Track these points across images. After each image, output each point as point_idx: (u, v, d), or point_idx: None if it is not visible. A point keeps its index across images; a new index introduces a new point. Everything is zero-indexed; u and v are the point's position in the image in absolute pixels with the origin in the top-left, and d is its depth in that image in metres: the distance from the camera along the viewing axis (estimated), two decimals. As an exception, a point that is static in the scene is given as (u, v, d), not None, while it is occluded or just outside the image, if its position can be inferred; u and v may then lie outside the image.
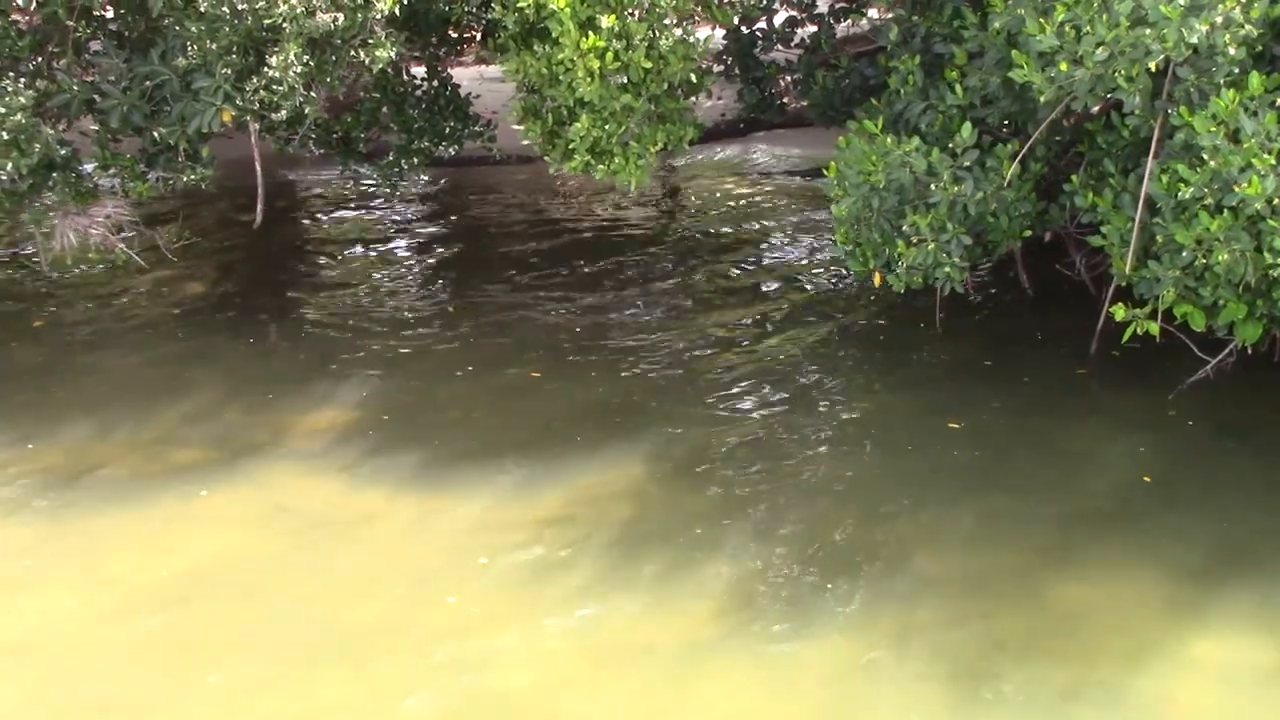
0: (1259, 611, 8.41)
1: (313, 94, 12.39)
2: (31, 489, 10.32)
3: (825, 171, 11.75)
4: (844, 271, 14.10)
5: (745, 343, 12.65)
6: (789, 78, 15.20)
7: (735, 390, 11.73)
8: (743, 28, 15.08)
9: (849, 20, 15.37)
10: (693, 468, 10.49)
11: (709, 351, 12.52)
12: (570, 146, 12.43)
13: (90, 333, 13.04)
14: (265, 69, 11.82)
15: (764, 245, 15.35)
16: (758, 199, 16.94)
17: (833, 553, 9.30)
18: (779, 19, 15.12)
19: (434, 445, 10.96)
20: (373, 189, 16.75)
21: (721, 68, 15.20)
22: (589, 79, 11.77)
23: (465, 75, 16.34)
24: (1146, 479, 10.00)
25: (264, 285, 14.30)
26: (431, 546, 9.64)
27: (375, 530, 9.84)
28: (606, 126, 12.07)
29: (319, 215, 16.80)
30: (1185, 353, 10.96)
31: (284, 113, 12.15)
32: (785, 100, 15.53)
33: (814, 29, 15.07)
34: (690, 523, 9.76)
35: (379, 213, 16.77)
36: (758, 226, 15.99)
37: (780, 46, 15.23)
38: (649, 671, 8.32)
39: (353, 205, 17.02)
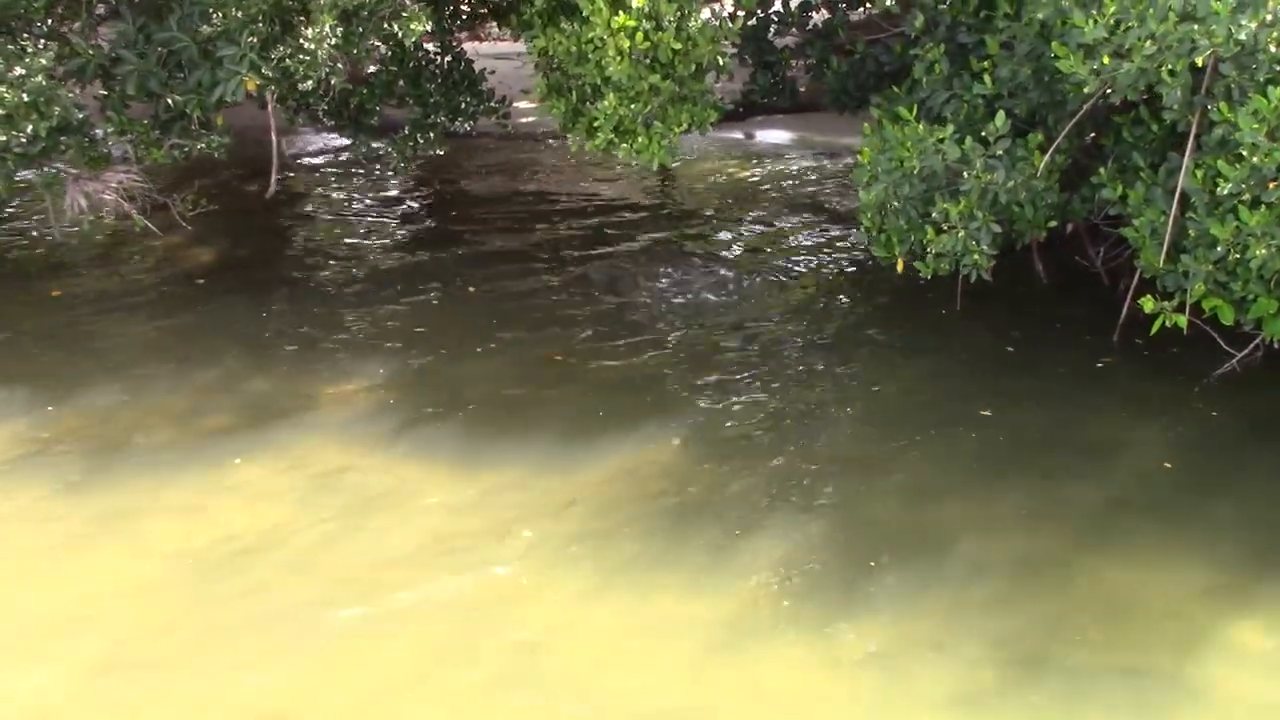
0: (1302, 600, 8.56)
1: (339, 65, 12.34)
2: (64, 457, 10.24)
3: (859, 157, 11.80)
4: (857, 256, 14.21)
5: (764, 326, 12.68)
6: (801, 62, 15.23)
7: (758, 373, 11.77)
8: (758, 11, 15.09)
9: (863, 5, 15.38)
10: (727, 447, 10.53)
11: (727, 334, 12.55)
12: (595, 125, 12.44)
13: (108, 300, 12.92)
14: (295, 39, 11.74)
15: (771, 231, 15.39)
16: (761, 183, 16.98)
17: (876, 533, 9.38)
18: (794, 2, 15.11)
19: (465, 418, 10.96)
20: (373, 162, 16.64)
21: (734, 50, 15.21)
22: (619, 58, 11.80)
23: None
24: (1173, 467, 10.12)
25: (276, 254, 14.24)
26: (473, 519, 9.63)
27: (415, 502, 9.82)
28: (633, 106, 12.09)
29: (327, 185, 16.67)
30: (1208, 345, 11.11)
31: (310, 83, 12.10)
32: (797, 85, 15.54)
33: (827, 14, 15.10)
34: (730, 501, 9.81)
35: (385, 185, 16.66)
36: (763, 211, 16.03)
37: (794, 31, 15.24)
38: (696, 647, 8.35)
39: (359, 177, 16.90)
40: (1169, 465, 10.14)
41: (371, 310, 12.97)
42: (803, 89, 15.82)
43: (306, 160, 17.29)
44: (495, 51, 17.65)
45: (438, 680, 8.06)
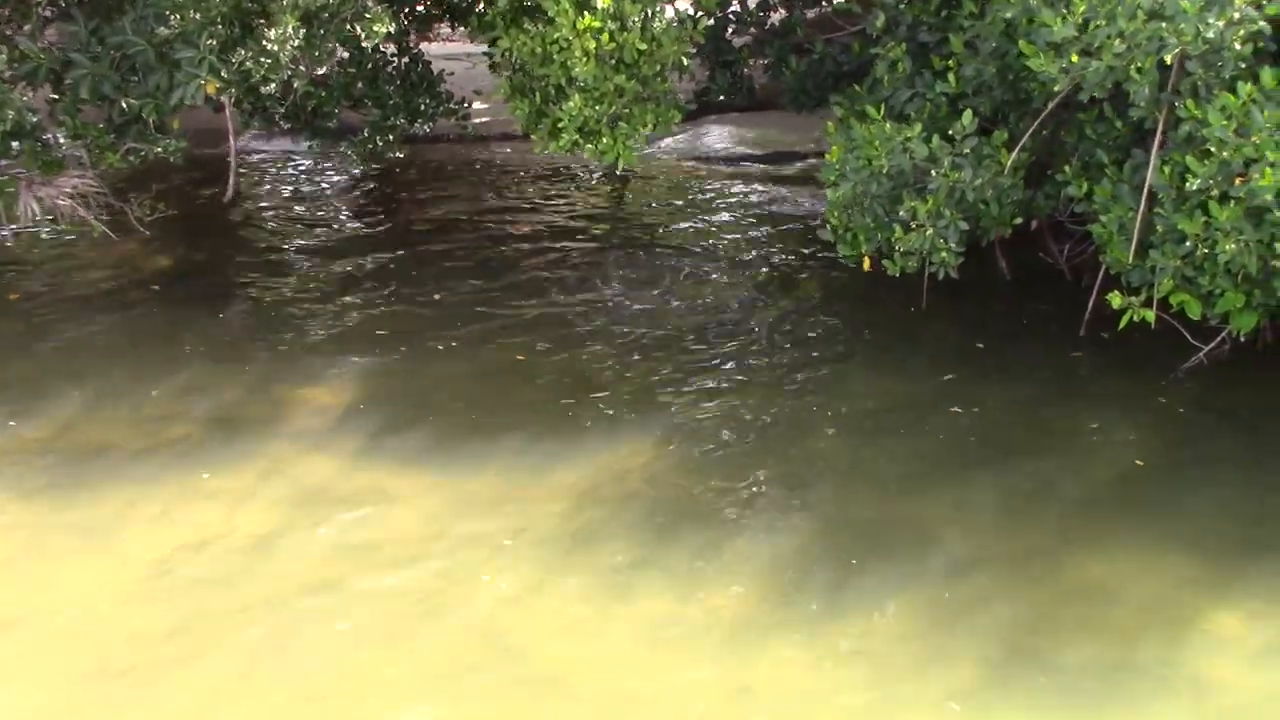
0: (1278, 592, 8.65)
1: (301, 68, 12.19)
2: (29, 466, 10.07)
3: (827, 156, 11.81)
4: (817, 256, 14.23)
5: (729, 328, 12.66)
6: (758, 61, 15.24)
7: (728, 374, 11.77)
8: (717, 10, 15.09)
9: (820, 4, 15.44)
10: (703, 447, 10.53)
11: (692, 336, 12.51)
12: (559, 126, 12.39)
13: (66, 306, 12.70)
14: (256, 41, 11.59)
15: (727, 232, 15.35)
16: (715, 184, 16.97)
17: (858, 531, 9.41)
18: (751, 1, 15.12)
19: (438, 423, 10.88)
20: (328, 166, 16.52)
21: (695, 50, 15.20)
22: (585, 59, 11.77)
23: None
24: (1146, 461, 10.23)
25: (234, 258, 14.06)
26: (453, 524, 9.58)
27: (393, 508, 9.75)
28: (598, 107, 12.05)
29: (282, 189, 16.50)
30: (1173, 339, 11.22)
31: (272, 86, 11.96)
32: (754, 85, 15.55)
33: (784, 13, 15.14)
34: (710, 501, 9.82)
35: (341, 188, 16.51)
36: (718, 212, 16.01)
37: (752, 30, 15.25)
38: (686, 649, 8.35)
39: (314, 181, 16.74)
40: (1141, 460, 10.25)
41: (331, 314, 12.85)
42: (759, 88, 15.87)
43: (260, 164, 17.07)
44: (445, 52, 17.45)
45: (429, 690, 8.01)
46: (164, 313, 12.64)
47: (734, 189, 16.60)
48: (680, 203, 16.22)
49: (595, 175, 16.99)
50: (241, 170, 15.75)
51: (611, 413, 11.09)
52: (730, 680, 8.09)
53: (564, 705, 7.92)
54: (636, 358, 12.06)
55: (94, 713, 7.79)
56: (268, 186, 16.53)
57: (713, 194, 16.48)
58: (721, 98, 15.66)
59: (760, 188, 16.56)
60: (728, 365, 11.92)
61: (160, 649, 8.26)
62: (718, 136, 18.11)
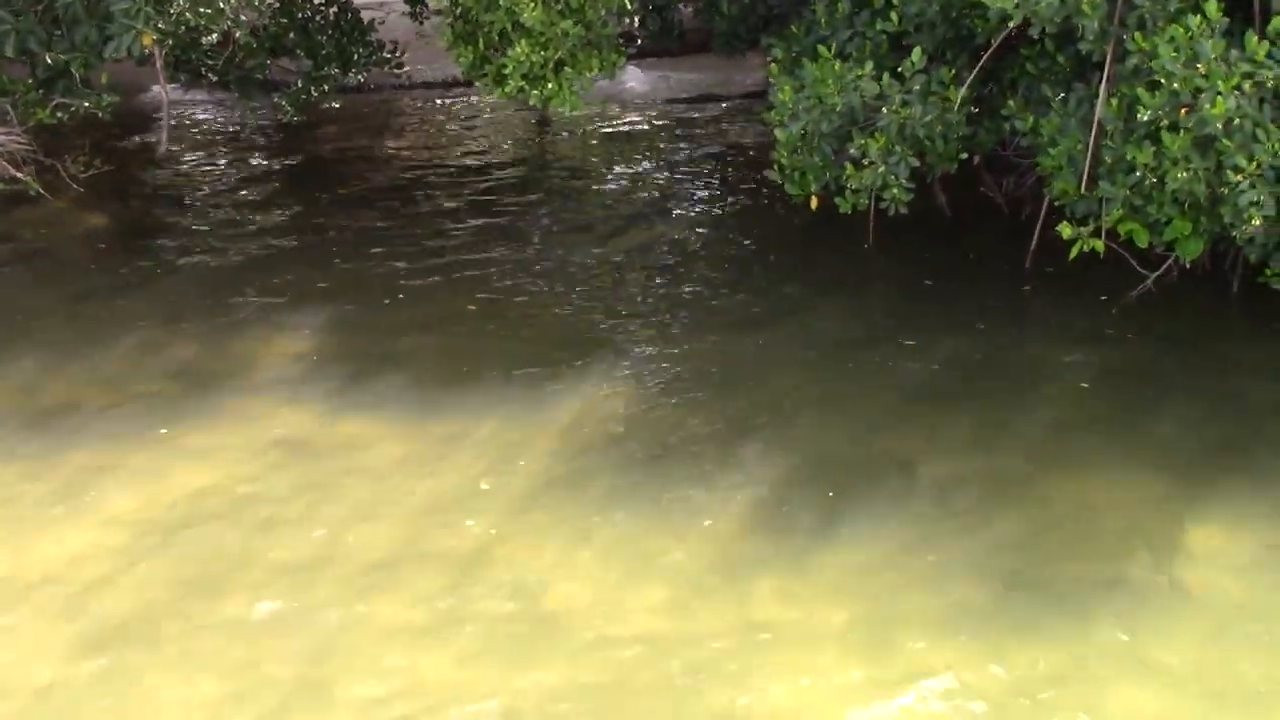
0: (1249, 504, 8.97)
1: (242, 17, 11.99)
2: (-1, 428, 9.86)
3: (778, 95, 11.85)
4: (758, 196, 14.35)
5: (677, 270, 12.77)
6: (687, 6, 15.28)
7: (684, 314, 11.89)
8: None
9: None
10: (674, 389, 10.63)
11: (641, 279, 12.61)
12: (504, 72, 12.34)
13: (6, 267, 12.38)
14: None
15: (666, 174, 15.44)
16: (642, 126, 17.00)
17: (839, 465, 9.58)
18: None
19: (403, 373, 10.90)
20: (259, 119, 16.25)
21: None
22: (532, 4, 11.72)
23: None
24: (1106, 386, 10.52)
25: (172, 215, 13.91)
26: (433, 472, 9.60)
27: (372, 458, 9.74)
28: (544, 52, 12.02)
29: (213, 144, 16.20)
30: (1118, 269, 11.51)
31: (214, 36, 11.75)
32: (684, 28, 15.57)
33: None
34: (687, 441, 9.92)
35: (273, 142, 16.24)
36: (654, 155, 16.08)
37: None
38: (683, 583, 8.45)
39: (244, 134, 16.45)
40: (1101, 384, 10.53)
41: (274, 268, 12.75)
42: (686, 32, 15.89)
43: (187, 118, 16.74)
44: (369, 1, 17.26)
45: (436, 631, 8.03)
46: (107, 271, 12.44)
47: (662, 132, 16.64)
48: (614, 147, 16.25)
49: (525, 121, 16.91)
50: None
51: (575, 356, 11.12)
52: (728, 611, 8.19)
53: (559, 640, 7.97)
54: (589, 302, 12.12)
55: (93, 670, 7.69)
56: (196, 139, 16.22)
57: (644, 138, 16.53)
58: (651, 42, 15.72)
59: (690, 130, 16.62)
60: (683, 307, 12.01)
61: (154, 607, 8.18)
62: (644, 80, 18.10)
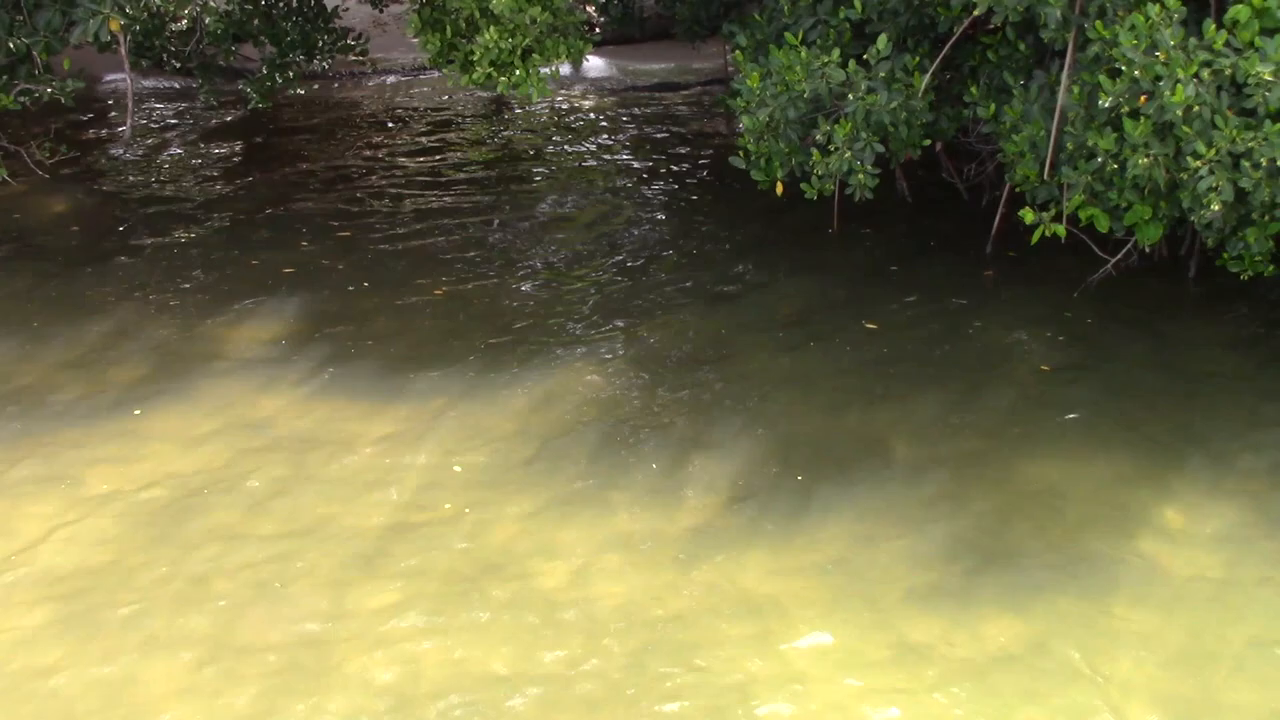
0: (1216, 481, 9.22)
1: (211, 2, 11.98)
2: (-27, 414, 9.85)
3: (746, 82, 11.98)
4: (718, 183, 14.49)
5: (640, 255, 12.87)
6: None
7: (652, 297, 11.99)
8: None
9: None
10: (642, 371, 10.75)
11: (607, 263, 12.71)
12: (471, 58, 12.40)
13: (-27, 254, 12.38)
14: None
15: (623, 161, 15.53)
16: (603, 113, 17.10)
17: (812, 445, 9.74)
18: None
19: (373, 354, 10.98)
20: (221, 105, 16.22)
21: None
22: (501, -9, 11.78)
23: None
24: (1069, 368, 10.73)
25: (139, 200, 13.88)
26: (407, 453, 9.67)
27: (345, 440, 9.82)
28: (512, 39, 12.09)
29: (174, 130, 16.14)
30: (1078, 254, 11.76)
31: (183, 22, 11.74)
32: (644, 15, 15.72)
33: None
34: (661, 422, 10.05)
35: (236, 127, 16.21)
36: (610, 141, 16.16)
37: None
38: (665, 560, 8.60)
39: (204, 120, 16.40)
40: (1064, 366, 10.75)
41: (242, 253, 12.75)
42: (648, 19, 16.05)
43: (147, 105, 16.67)
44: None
45: (421, 609, 8.13)
46: (77, 256, 12.40)
47: (626, 119, 16.74)
48: (575, 134, 16.31)
49: (485, 108, 16.96)
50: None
51: (546, 341, 11.23)
52: (705, 587, 8.34)
53: (547, 619, 8.08)
54: (555, 286, 12.23)
55: (74, 649, 7.75)
56: (157, 126, 16.16)
57: (605, 125, 16.61)
58: (613, 29, 15.83)
59: (651, 117, 16.73)
60: (649, 290, 12.12)
61: (138, 587, 8.23)
62: (604, 68, 18.17)
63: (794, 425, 9.99)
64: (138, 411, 9.97)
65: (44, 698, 7.40)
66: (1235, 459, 9.49)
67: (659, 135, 16.16)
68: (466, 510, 9.09)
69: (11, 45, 12.02)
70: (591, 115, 16.99)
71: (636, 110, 17.09)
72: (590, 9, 16.10)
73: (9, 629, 7.88)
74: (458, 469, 9.53)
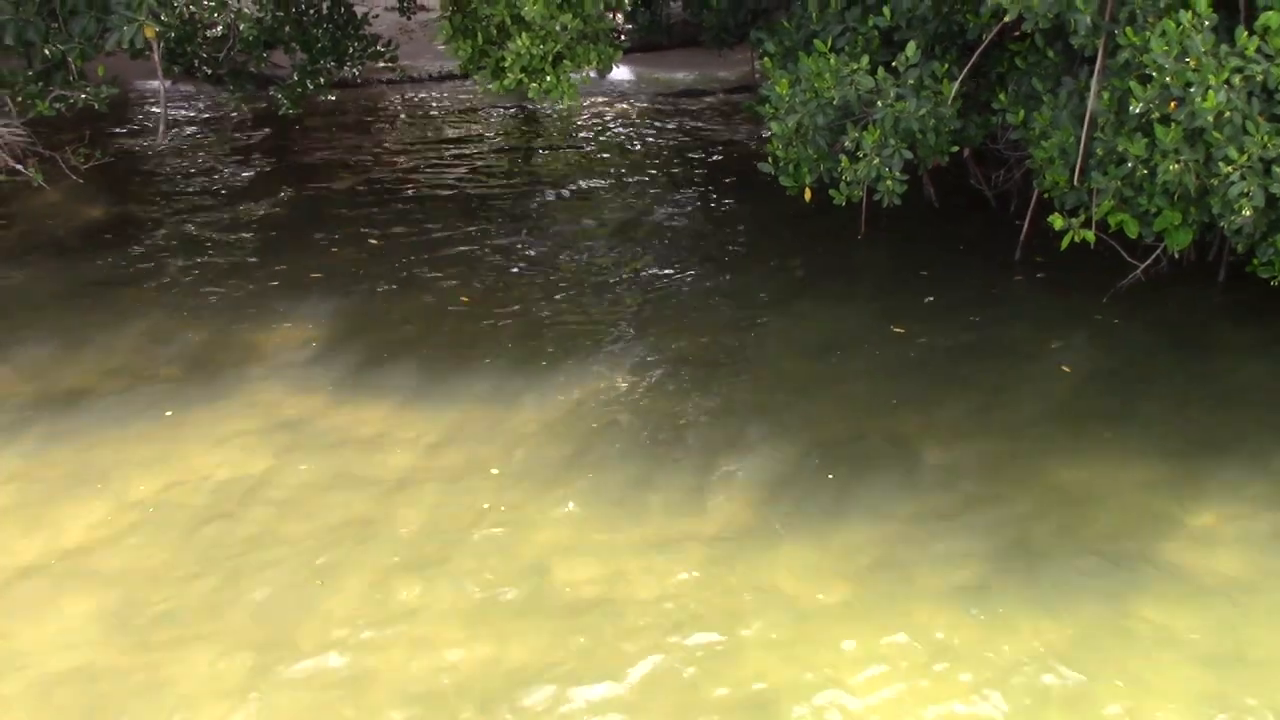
0: (1245, 485, 9.26)
1: (245, 9, 12.08)
2: (9, 418, 9.94)
3: (776, 89, 12.04)
4: (745, 189, 14.55)
5: (672, 261, 12.96)
6: (675, 1, 15.49)
7: (680, 306, 12.07)
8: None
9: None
10: (673, 376, 10.82)
11: (634, 271, 12.78)
12: (502, 65, 12.48)
13: (19, 255, 12.50)
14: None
15: (649, 164, 15.60)
16: (630, 120, 17.17)
17: (844, 447, 9.81)
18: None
19: (404, 358, 11.11)
20: (250, 113, 16.33)
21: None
22: (534, -1, 11.87)
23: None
24: (1098, 372, 10.77)
25: (171, 206, 14.04)
26: (445, 454, 9.78)
27: (382, 441, 9.93)
28: (544, 45, 12.18)
29: (205, 137, 16.28)
30: (1106, 261, 11.80)
31: (219, 29, 11.85)
32: (673, 23, 15.79)
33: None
34: (691, 426, 10.11)
35: (265, 135, 16.32)
36: (637, 147, 16.25)
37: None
38: (702, 559, 8.68)
39: (233, 128, 16.52)
40: (1093, 370, 10.78)
41: (273, 258, 12.88)
42: (675, 26, 16.12)
43: (177, 111, 16.80)
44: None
45: (463, 608, 8.21)
46: (112, 260, 12.53)
47: (653, 126, 16.82)
48: (603, 141, 16.39)
49: (512, 115, 17.07)
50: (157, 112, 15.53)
51: (573, 345, 11.31)
52: (742, 587, 8.40)
53: (581, 619, 8.15)
54: (584, 291, 12.30)
55: (121, 645, 7.84)
56: (189, 132, 16.30)
57: (633, 131, 16.68)
58: (640, 35, 15.89)
59: (678, 124, 16.80)
60: (679, 296, 12.20)
61: (180, 586, 8.32)
62: (630, 74, 18.26)
63: (824, 428, 10.04)
64: (169, 413, 10.09)
65: (84, 695, 7.48)
66: (1266, 463, 9.52)
67: (685, 141, 16.24)
68: (503, 510, 9.15)
69: (47, 52, 12.12)
70: (618, 122, 17.07)
71: (663, 117, 17.18)
72: (618, 16, 16.13)
73: (50, 626, 7.96)
74: (495, 471, 9.60)
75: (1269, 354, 10.95)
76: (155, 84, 16.76)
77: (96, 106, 12.56)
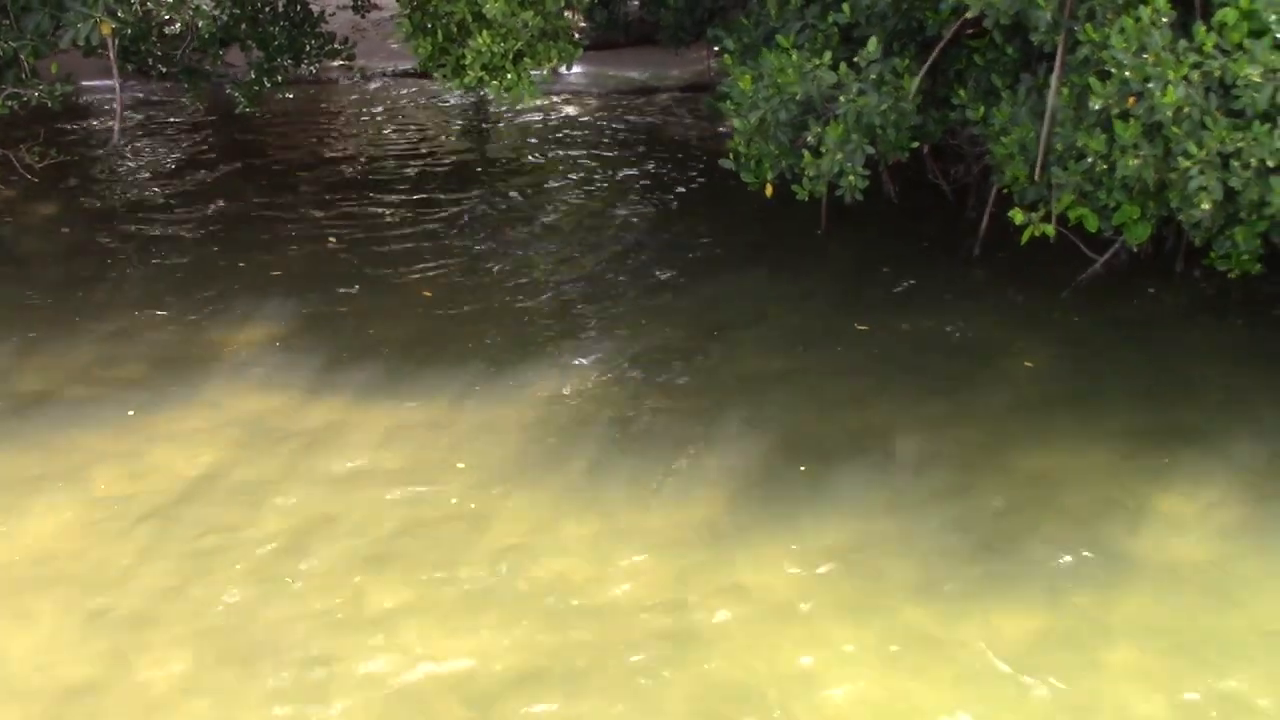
0: (1211, 473, 9.37)
1: (203, 6, 11.99)
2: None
3: (739, 85, 12.05)
4: (705, 185, 14.59)
5: (633, 255, 12.97)
6: (632, -1, 15.52)
7: (645, 300, 12.07)
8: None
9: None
10: (639, 372, 10.83)
11: (597, 267, 12.79)
12: (463, 63, 12.45)
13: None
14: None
15: (607, 161, 15.61)
16: (586, 118, 17.18)
17: (814, 441, 9.83)
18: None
19: (371, 356, 11.04)
20: (204, 110, 16.18)
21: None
22: (494, -5, 11.85)
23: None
24: (1061, 366, 10.87)
25: (128, 204, 13.92)
26: (412, 452, 9.73)
27: (347, 439, 9.85)
28: (505, 43, 12.16)
29: (156, 134, 16.11)
30: (1066, 256, 11.92)
31: (177, 26, 11.74)
32: (630, 21, 15.81)
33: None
34: (661, 422, 10.11)
35: (220, 132, 16.20)
36: (595, 145, 16.25)
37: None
38: (671, 554, 8.65)
39: (186, 125, 16.39)
40: (1056, 363, 10.89)
41: (235, 257, 12.79)
42: (632, 23, 16.13)
43: (131, 109, 16.65)
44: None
45: (426, 601, 8.17)
46: (71, 260, 12.42)
47: (610, 123, 16.83)
48: (560, 138, 16.39)
49: (468, 112, 17.03)
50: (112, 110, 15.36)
51: (536, 342, 11.32)
52: (713, 580, 8.41)
53: (553, 614, 8.13)
54: (545, 289, 12.30)
55: (94, 648, 7.76)
56: (143, 130, 16.15)
57: (590, 129, 16.69)
58: (597, 33, 15.91)
59: (635, 121, 16.82)
60: (641, 293, 12.21)
61: (151, 587, 8.23)
62: (584, 72, 18.24)
63: (793, 423, 10.08)
64: (131, 413, 10.00)
65: (48, 692, 7.39)
66: (1229, 451, 9.65)
67: (643, 139, 16.26)
68: (472, 506, 9.13)
69: (0, 49, 11.99)
70: (575, 119, 17.07)
71: (620, 115, 17.19)
72: (575, 14, 16.13)
73: (15, 624, 7.88)
74: (461, 466, 9.58)
75: (1226, 344, 11.12)
76: (110, 82, 16.68)
77: (50, 105, 12.43)
